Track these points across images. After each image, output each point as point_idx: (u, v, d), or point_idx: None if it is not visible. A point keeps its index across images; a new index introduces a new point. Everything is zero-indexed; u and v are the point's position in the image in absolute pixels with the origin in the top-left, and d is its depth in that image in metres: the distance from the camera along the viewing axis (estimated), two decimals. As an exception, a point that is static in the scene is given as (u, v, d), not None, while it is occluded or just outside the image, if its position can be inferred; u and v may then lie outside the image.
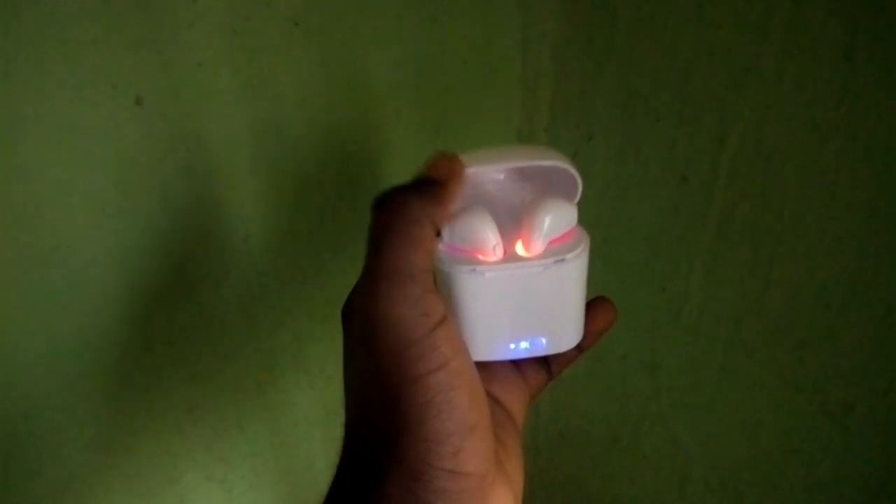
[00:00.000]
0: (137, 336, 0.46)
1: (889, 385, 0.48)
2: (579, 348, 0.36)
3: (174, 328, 0.48)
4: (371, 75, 0.52)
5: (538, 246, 0.32)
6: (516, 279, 0.32)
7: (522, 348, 0.34)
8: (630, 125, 0.58)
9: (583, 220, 0.34)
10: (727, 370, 0.59)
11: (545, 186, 0.35)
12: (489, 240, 0.31)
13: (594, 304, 0.36)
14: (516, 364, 0.36)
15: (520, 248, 0.33)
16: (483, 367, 0.33)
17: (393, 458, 0.27)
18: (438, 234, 0.29)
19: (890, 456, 0.49)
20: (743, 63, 0.48)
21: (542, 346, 0.34)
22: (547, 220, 0.32)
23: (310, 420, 0.61)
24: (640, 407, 0.69)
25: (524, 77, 0.63)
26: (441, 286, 0.32)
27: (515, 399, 0.35)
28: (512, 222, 0.33)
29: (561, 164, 0.33)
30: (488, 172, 0.35)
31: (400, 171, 0.57)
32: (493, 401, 0.34)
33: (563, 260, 0.32)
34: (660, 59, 0.54)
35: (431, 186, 0.29)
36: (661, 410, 0.66)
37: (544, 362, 0.37)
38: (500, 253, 0.32)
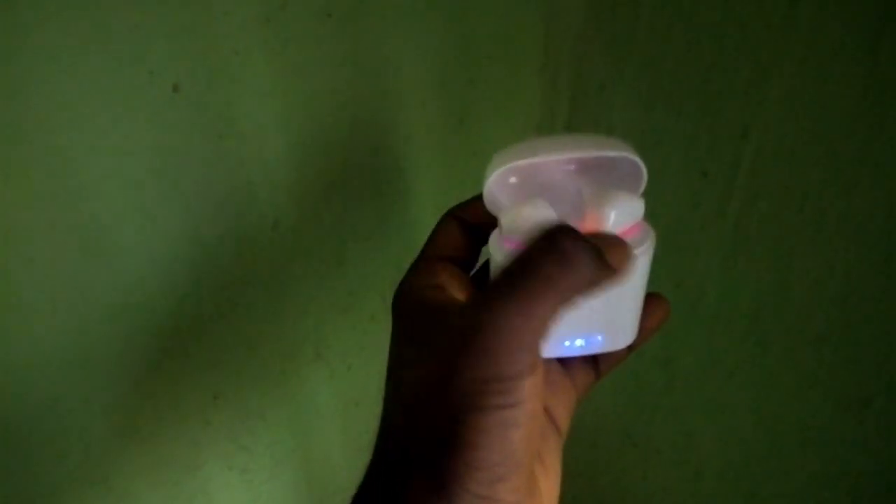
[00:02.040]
0: (166, 322, 0.47)
1: (908, 378, 0.48)
2: (630, 347, 0.35)
3: (202, 315, 0.48)
4: (398, 67, 0.52)
5: None
6: None
7: (577, 346, 0.33)
8: (650, 119, 0.58)
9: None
10: (743, 365, 0.59)
11: (606, 177, 0.33)
12: None
13: (649, 301, 0.34)
14: (564, 365, 0.35)
15: None
16: None
17: (427, 470, 0.26)
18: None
19: (908, 449, 0.49)
20: (767, 58, 0.49)
21: (599, 343, 0.33)
22: (614, 214, 0.30)
23: (330, 410, 0.61)
24: (653, 402, 0.69)
25: (545, 71, 0.64)
26: None
27: (562, 404, 0.34)
28: (574, 215, 0.31)
29: (626, 154, 0.31)
30: (550, 164, 0.33)
31: (423, 161, 0.58)
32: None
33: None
34: (682, 54, 0.54)
35: (609, 272, 0.27)
36: (675, 405, 0.66)
37: (593, 361, 0.36)
38: None
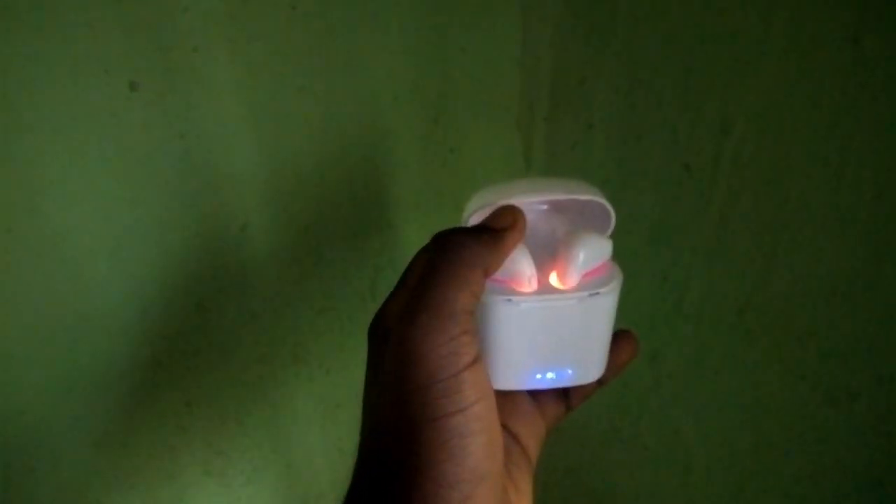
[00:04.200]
0: (134, 329, 0.46)
1: (894, 373, 0.47)
2: (600, 381, 0.36)
3: (171, 320, 0.47)
4: (369, 61, 0.51)
5: (573, 279, 0.32)
6: (550, 311, 0.32)
7: (548, 378, 0.34)
8: (631, 113, 0.57)
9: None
10: (729, 359, 0.58)
11: (578, 219, 0.36)
12: (524, 271, 0.32)
13: (618, 337, 0.36)
14: (534, 396, 0.37)
15: (554, 280, 0.33)
16: (502, 398, 0.33)
17: (403, 494, 0.27)
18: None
19: (895, 445, 0.49)
20: (747, 48, 0.48)
21: (568, 376, 0.34)
22: (582, 254, 0.32)
23: (308, 414, 0.60)
24: (640, 398, 0.68)
25: (524, 64, 0.62)
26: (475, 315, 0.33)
27: (531, 434, 0.35)
28: (545, 254, 0.34)
29: (595, 198, 0.34)
30: (524, 206, 0.36)
31: (398, 159, 0.57)
32: (510, 436, 0.34)
33: (597, 294, 0.32)
34: (662, 46, 0.53)
35: (489, 234, 0.30)
36: (661, 401, 0.66)
37: (563, 395, 0.37)
38: (534, 284, 0.32)
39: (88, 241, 0.41)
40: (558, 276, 0.33)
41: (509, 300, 0.32)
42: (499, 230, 0.30)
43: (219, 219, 0.47)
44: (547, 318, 0.32)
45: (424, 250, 0.36)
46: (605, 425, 0.74)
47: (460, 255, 0.28)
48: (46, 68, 0.37)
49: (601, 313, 0.33)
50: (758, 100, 0.49)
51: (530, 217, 0.36)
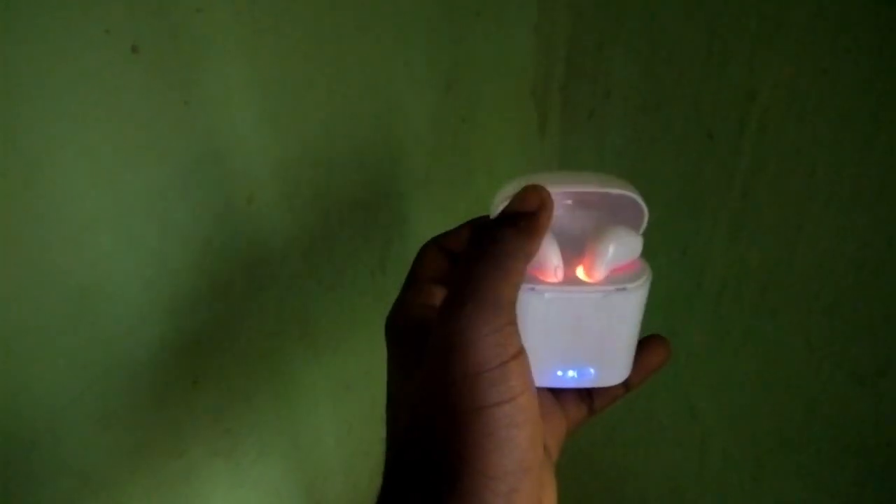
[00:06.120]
0: (138, 302, 0.44)
1: (926, 348, 0.46)
2: (626, 386, 0.36)
3: (176, 295, 0.46)
4: (379, 26, 0.49)
5: (600, 272, 0.32)
6: (575, 303, 0.32)
7: (570, 377, 0.34)
8: (651, 80, 0.56)
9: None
10: (751, 336, 0.57)
11: (609, 216, 0.35)
12: (551, 260, 0.31)
13: (648, 342, 0.36)
14: (557, 396, 0.36)
15: (581, 274, 0.33)
16: None
17: (447, 485, 0.27)
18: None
19: (924, 423, 0.48)
20: (776, 8, 0.46)
21: (590, 376, 0.34)
22: (611, 248, 0.32)
23: (317, 392, 0.59)
24: (656, 376, 0.67)
25: (539, 29, 0.61)
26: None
27: (552, 433, 0.35)
28: (574, 249, 0.33)
29: (627, 192, 0.33)
30: (556, 196, 0.36)
31: (409, 127, 0.55)
32: None
33: (624, 289, 0.32)
34: (685, 7, 0.51)
35: (524, 220, 0.30)
36: (679, 379, 0.65)
37: (587, 397, 0.37)
38: (560, 275, 0.32)
39: (89, 212, 0.40)
40: (585, 269, 0.33)
41: (533, 289, 0.31)
42: (531, 213, 0.30)
43: (224, 190, 0.45)
44: (571, 311, 0.32)
45: (431, 244, 0.36)
46: (620, 403, 0.72)
47: (503, 247, 0.28)
48: (42, 29, 0.35)
49: (627, 311, 0.32)
50: (786, 64, 0.47)
51: (558, 210, 0.36)
